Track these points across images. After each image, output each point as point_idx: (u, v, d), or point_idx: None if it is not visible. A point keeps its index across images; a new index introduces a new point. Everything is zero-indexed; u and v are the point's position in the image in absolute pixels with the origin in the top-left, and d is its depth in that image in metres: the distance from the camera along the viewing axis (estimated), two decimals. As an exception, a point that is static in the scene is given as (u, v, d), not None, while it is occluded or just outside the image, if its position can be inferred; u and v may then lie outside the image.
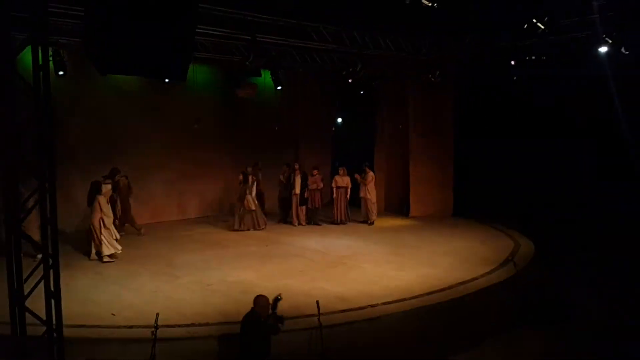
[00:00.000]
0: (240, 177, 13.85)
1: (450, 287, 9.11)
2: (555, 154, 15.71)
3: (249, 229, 13.79)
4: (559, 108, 15.40)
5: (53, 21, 10.58)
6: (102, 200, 10.75)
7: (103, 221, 10.65)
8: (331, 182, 15.18)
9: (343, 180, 14.83)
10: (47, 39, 4.84)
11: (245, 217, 13.84)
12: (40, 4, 4.76)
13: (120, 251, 10.89)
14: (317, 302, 6.97)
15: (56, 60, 11.92)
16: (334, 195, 14.91)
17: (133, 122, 14.36)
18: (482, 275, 9.80)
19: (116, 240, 10.90)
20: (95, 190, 10.90)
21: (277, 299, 6.28)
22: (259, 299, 6.25)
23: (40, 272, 5.08)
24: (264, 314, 6.18)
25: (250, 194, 13.75)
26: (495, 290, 9.28)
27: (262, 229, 13.99)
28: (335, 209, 14.90)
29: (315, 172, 14.82)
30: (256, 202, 13.92)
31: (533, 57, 12.66)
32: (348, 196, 14.87)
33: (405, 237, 13.30)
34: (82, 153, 13.63)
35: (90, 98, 13.52)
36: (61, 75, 12.16)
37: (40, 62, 4.79)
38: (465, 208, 15.83)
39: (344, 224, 14.78)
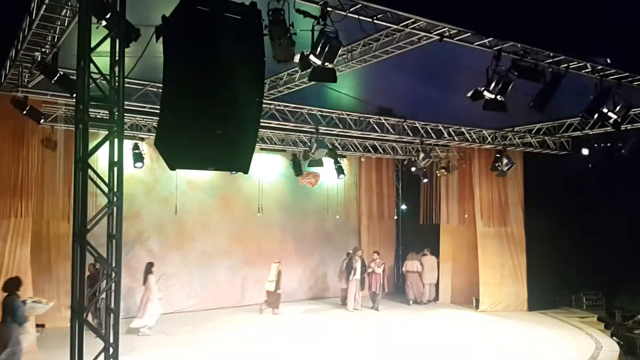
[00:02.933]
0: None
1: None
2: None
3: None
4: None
5: (134, 118, 11.53)
6: (152, 279, 12.00)
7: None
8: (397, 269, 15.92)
9: (413, 265, 16.15)
10: (123, 137, 5.22)
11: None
12: (119, 104, 5.19)
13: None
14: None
15: (135, 154, 12.75)
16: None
17: (202, 210, 14.93)
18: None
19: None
20: (148, 270, 12.19)
21: None
22: None
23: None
24: None
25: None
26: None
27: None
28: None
29: (375, 256, 15.21)
30: None
31: (609, 145, 12.29)
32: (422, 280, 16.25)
33: (474, 332, 12.61)
34: (153, 239, 14.21)
35: (164, 188, 14.26)
36: (138, 167, 12.95)
37: (115, 159, 5.14)
38: (544, 302, 15.04)
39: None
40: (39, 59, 7.65)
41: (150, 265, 12.26)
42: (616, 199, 14.17)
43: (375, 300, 15.16)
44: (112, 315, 5.21)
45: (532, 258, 15.27)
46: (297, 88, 9.89)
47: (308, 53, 6.58)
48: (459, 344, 11.57)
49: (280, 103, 11.04)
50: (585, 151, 13.53)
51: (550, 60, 7.91)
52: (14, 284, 7.91)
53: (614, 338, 11.73)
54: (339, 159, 15.10)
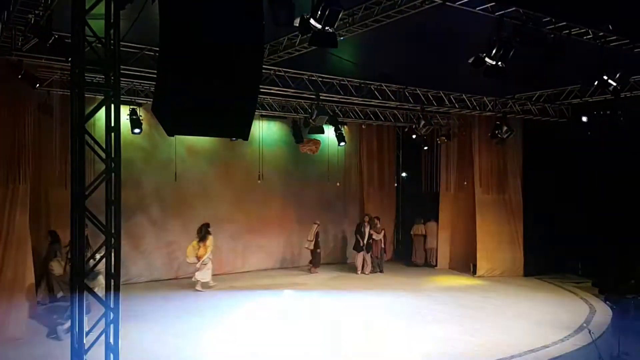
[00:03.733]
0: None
1: (520, 355, 8.57)
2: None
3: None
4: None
5: (130, 82, 11.40)
6: (211, 238, 13.25)
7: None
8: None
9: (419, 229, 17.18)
10: (120, 102, 5.16)
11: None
12: (115, 67, 5.11)
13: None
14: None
15: (132, 119, 12.64)
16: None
17: (202, 177, 14.92)
18: (554, 343, 9.17)
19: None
20: (206, 230, 13.24)
21: None
22: None
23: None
24: None
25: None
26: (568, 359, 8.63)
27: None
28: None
29: (375, 221, 15.84)
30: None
31: (608, 112, 12.18)
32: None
33: (472, 298, 12.76)
34: (154, 207, 14.24)
35: (163, 154, 14.19)
36: (137, 133, 12.85)
37: (113, 124, 5.09)
38: (539, 268, 15.24)
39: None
40: (32, 22, 7.50)
41: (207, 226, 13.24)
42: (614, 166, 14.17)
43: (378, 265, 15.89)
44: (112, 281, 5.25)
45: (529, 225, 15.41)
46: (297, 53, 9.74)
47: (308, 17, 6.46)
48: (454, 307, 11.73)
49: (280, 68, 10.90)
50: (584, 118, 13.45)
51: (552, 27, 7.77)
52: None
53: (607, 302, 11.97)
54: (339, 125, 15.01)
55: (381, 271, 15.82)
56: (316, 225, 15.42)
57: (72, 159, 4.97)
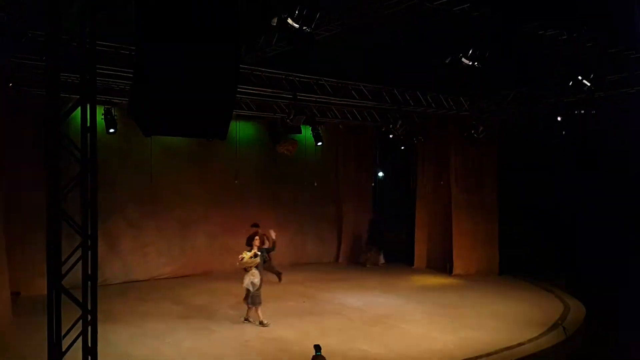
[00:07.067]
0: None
1: (495, 352, 8.70)
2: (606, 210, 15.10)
3: None
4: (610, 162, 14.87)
5: (105, 82, 11.22)
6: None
7: None
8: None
9: None
10: (95, 102, 5.08)
11: None
12: (90, 67, 5.03)
13: None
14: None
15: (107, 119, 12.45)
16: None
17: (178, 177, 14.78)
18: (530, 340, 9.33)
19: None
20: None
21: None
22: None
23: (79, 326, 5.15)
24: None
25: None
26: (543, 356, 8.78)
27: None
28: None
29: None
30: None
31: (582, 112, 12.43)
32: None
33: (448, 297, 12.90)
34: (129, 207, 14.07)
35: (138, 154, 14.01)
36: (112, 133, 12.66)
37: (88, 124, 5.02)
38: (514, 266, 15.44)
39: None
40: (4, 20, 7.35)
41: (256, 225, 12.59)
42: (589, 165, 14.48)
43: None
44: (89, 282, 5.17)
45: (504, 223, 15.61)
46: (274, 52, 9.71)
47: (285, 16, 6.46)
48: (430, 306, 11.84)
49: (257, 68, 10.86)
50: (559, 118, 13.70)
51: (528, 28, 7.90)
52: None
53: (581, 300, 12.23)
54: (317, 126, 15.01)
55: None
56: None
57: (46, 161, 4.88)
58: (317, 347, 6.17)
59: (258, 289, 10.17)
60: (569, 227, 15.16)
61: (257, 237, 10.67)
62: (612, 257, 13.81)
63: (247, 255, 10.17)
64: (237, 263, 10.30)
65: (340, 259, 17.85)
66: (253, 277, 10.11)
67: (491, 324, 10.43)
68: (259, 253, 10.35)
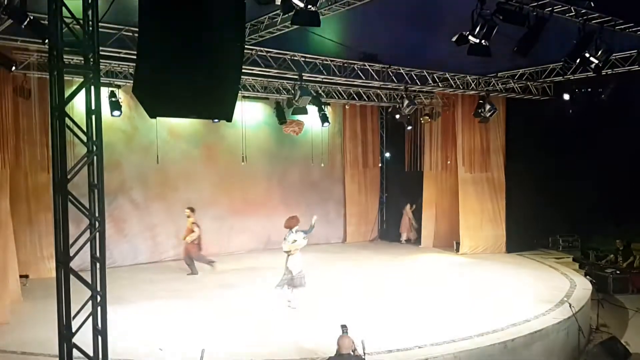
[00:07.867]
0: None
1: (502, 329, 8.74)
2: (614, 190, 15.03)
3: None
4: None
5: (109, 64, 11.19)
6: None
7: None
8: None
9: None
10: (99, 84, 5.07)
11: None
12: (94, 48, 5.00)
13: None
14: (362, 342, 6.79)
15: (112, 102, 12.43)
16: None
17: (185, 159, 14.80)
18: (537, 316, 9.37)
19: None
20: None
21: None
22: (344, 341, 6.06)
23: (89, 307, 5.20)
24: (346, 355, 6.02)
25: None
26: (549, 333, 8.82)
27: None
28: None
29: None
30: None
31: (589, 90, 12.31)
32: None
33: (455, 275, 12.95)
34: (136, 190, 14.13)
35: (144, 137, 14.03)
36: (117, 115, 12.66)
37: (93, 107, 5.01)
38: (521, 244, 15.48)
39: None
40: (5, 2, 7.28)
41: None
42: (595, 144, 14.38)
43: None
44: (97, 264, 5.21)
45: (511, 202, 15.59)
46: (279, 32, 9.62)
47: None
48: (437, 284, 11.90)
49: (262, 48, 10.76)
50: (566, 96, 13.58)
51: (535, 4, 7.78)
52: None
53: (588, 277, 12.25)
54: (323, 106, 14.94)
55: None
56: None
57: (52, 142, 4.88)
58: (344, 327, 6.19)
59: (300, 272, 10.04)
60: (576, 206, 15.13)
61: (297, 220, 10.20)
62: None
63: (292, 238, 9.92)
64: (287, 246, 9.96)
65: (347, 239, 17.93)
66: (296, 260, 9.97)
67: (498, 300, 10.48)
68: (305, 234, 10.06)
